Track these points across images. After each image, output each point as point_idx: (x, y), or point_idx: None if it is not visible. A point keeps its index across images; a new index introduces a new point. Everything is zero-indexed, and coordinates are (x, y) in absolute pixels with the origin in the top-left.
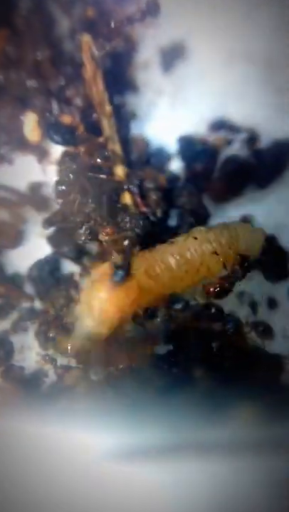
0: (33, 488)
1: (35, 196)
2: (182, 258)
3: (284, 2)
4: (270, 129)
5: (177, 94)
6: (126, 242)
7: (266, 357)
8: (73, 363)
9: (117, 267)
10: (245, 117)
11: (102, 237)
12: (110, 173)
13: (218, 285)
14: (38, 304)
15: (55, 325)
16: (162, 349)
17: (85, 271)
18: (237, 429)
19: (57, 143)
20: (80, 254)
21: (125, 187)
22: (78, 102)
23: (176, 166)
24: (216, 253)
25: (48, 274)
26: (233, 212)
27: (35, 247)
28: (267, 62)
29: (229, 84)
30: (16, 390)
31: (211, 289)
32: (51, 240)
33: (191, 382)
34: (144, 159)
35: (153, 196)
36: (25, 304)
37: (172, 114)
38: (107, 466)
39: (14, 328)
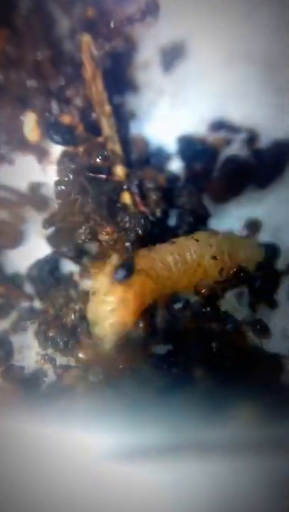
0: (33, 488)
1: (35, 196)
2: (181, 258)
3: (284, 2)
4: (270, 129)
5: (177, 94)
6: (127, 244)
7: (266, 357)
8: (72, 362)
9: (118, 266)
10: (245, 117)
11: (102, 236)
12: (110, 172)
13: (209, 288)
14: (37, 304)
15: (55, 325)
16: (162, 349)
17: (85, 271)
18: (237, 429)
19: (57, 143)
20: (79, 254)
21: (125, 187)
22: (78, 101)
23: (175, 165)
24: (215, 258)
25: (47, 274)
26: (233, 212)
27: (35, 247)
28: (267, 62)
29: (229, 84)
30: (16, 390)
31: (203, 291)
32: (51, 239)
33: (191, 382)
34: (144, 159)
35: (153, 196)
36: (25, 304)
37: (172, 114)
38: (107, 466)
39: (14, 327)
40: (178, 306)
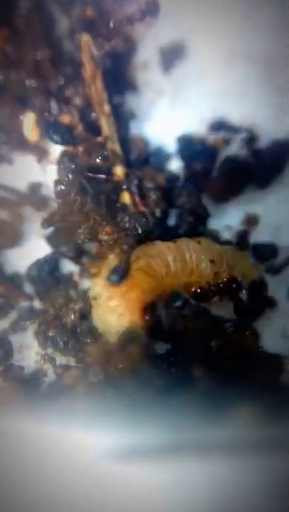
0: (33, 488)
1: (34, 196)
2: (180, 256)
3: (284, 2)
4: (270, 129)
5: (177, 94)
6: (124, 246)
7: (266, 357)
8: (72, 362)
9: (113, 269)
10: (244, 117)
11: (102, 236)
12: (109, 172)
13: (200, 288)
14: (37, 304)
15: (55, 324)
16: (162, 349)
17: (85, 270)
18: (237, 429)
19: (56, 142)
20: (79, 254)
21: (124, 187)
22: (77, 101)
23: (175, 165)
24: (213, 261)
25: (47, 274)
26: (232, 212)
27: (35, 247)
28: (267, 62)
29: (229, 85)
30: (16, 390)
31: (192, 289)
32: (50, 239)
33: (191, 382)
34: (144, 159)
35: (152, 196)
36: (25, 304)
37: (172, 113)
38: (106, 466)
39: (13, 327)
40: (177, 304)
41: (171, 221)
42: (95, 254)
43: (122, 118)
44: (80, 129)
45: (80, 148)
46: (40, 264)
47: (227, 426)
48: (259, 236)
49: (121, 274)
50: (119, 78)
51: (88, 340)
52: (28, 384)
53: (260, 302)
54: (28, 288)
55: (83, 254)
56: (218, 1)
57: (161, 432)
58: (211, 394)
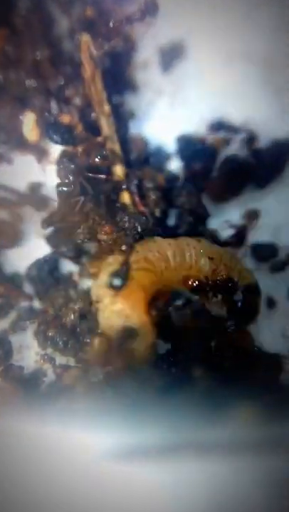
0: (32, 488)
1: (34, 196)
2: (179, 251)
3: (284, 2)
4: (270, 129)
5: (176, 94)
6: (124, 247)
7: (266, 357)
8: (72, 362)
9: (114, 274)
10: (244, 117)
11: (101, 236)
12: (109, 172)
13: (198, 281)
14: (37, 304)
15: (54, 324)
16: (162, 349)
17: (84, 270)
18: (237, 429)
19: (56, 142)
20: (79, 254)
21: (124, 186)
22: (77, 101)
23: (175, 165)
24: (211, 258)
25: (47, 274)
26: (232, 212)
27: (35, 247)
28: (266, 62)
29: (229, 84)
30: (15, 390)
31: (190, 282)
32: (50, 239)
33: (191, 382)
34: (143, 159)
35: (152, 196)
36: (24, 304)
37: (171, 113)
38: (106, 466)
39: (13, 327)
40: (178, 303)
41: (171, 221)
42: (95, 253)
43: (121, 118)
44: (79, 128)
45: (80, 148)
46: (39, 264)
47: (227, 426)
48: (259, 236)
49: (122, 278)
50: (118, 78)
51: (88, 340)
52: (28, 384)
53: (252, 307)
54: (28, 288)
55: (83, 254)
56: (217, 1)
57: (161, 432)
58: (211, 394)
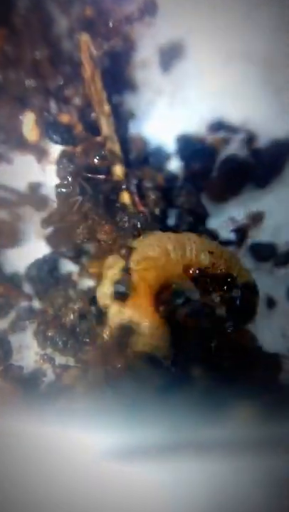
0: (32, 488)
1: (34, 196)
2: (179, 245)
3: (284, 2)
4: (270, 129)
5: (176, 93)
6: (123, 252)
7: (265, 356)
8: (71, 362)
9: (117, 282)
10: (244, 117)
11: (101, 236)
12: (109, 172)
13: (199, 270)
14: (36, 304)
15: (54, 324)
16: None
17: (84, 270)
18: (236, 428)
19: (55, 142)
20: (78, 254)
21: (124, 186)
22: (77, 101)
23: (174, 165)
24: (212, 252)
25: (46, 274)
26: (231, 211)
27: (34, 247)
28: (266, 62)
29: (228, 84)
30: (15, 390)
31: (191, 271)
32: (50, 239)
33: (190, 382)
34: (143, 159)
35: (151, 196)
36: (24, 304)
37: (171, 113)
38: (106, 466)
39: (13, 327)
40: (178, 301)
41: (171, 221)
42: (94, 253)
43: (121, 118)
44: (79, 128)
45: (80, 148)
46: (39, 264)
47: (226, 425)
48: (259, 236)
49: (126, 285)
50: (118, 78)
51: (87, 340)
52: (28, 384)
53: (250, 305)
54: (28, 288)
55: (82, 254)
56: (217, 1)
57: (161, 432)
58: (211, 393)
